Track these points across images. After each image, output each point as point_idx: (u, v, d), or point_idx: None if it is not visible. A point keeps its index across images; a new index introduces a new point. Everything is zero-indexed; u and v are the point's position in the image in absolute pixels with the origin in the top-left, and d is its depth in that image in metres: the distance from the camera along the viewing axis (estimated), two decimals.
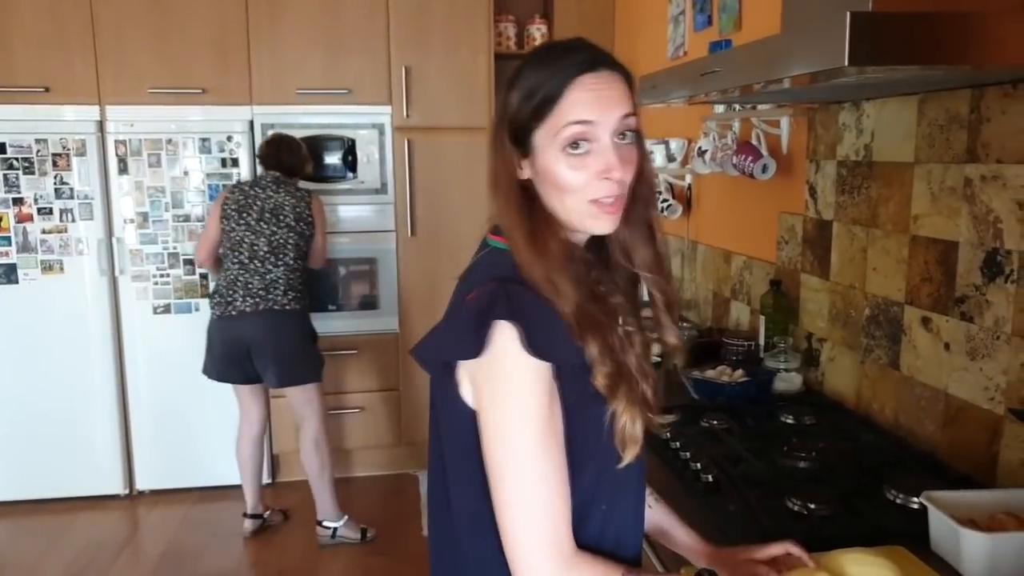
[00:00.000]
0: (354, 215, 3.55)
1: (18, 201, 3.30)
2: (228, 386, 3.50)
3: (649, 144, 2.82)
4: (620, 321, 0.96)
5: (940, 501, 1.23)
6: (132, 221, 3.39)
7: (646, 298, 1.04)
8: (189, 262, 3.44)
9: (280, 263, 2.91)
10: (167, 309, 3.45)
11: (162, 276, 3.43)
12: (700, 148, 2.42)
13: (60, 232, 3.33)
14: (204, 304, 3.44)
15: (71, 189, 3.32)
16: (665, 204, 2.80)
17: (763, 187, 2.25)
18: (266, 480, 3.58)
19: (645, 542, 1.40)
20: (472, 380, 0.90)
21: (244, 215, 2.90)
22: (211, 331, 3.00)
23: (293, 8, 3.37)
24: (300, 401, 3.06)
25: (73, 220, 3.33)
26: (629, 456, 0.93)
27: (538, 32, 3.66)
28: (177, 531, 3.21)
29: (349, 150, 3.51)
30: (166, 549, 3.06)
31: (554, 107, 0.89)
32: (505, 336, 0.85)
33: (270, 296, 2.89)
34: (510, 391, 0.86)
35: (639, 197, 0.97)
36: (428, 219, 3.57)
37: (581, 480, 0.92)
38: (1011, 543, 1.15)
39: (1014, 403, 1.39)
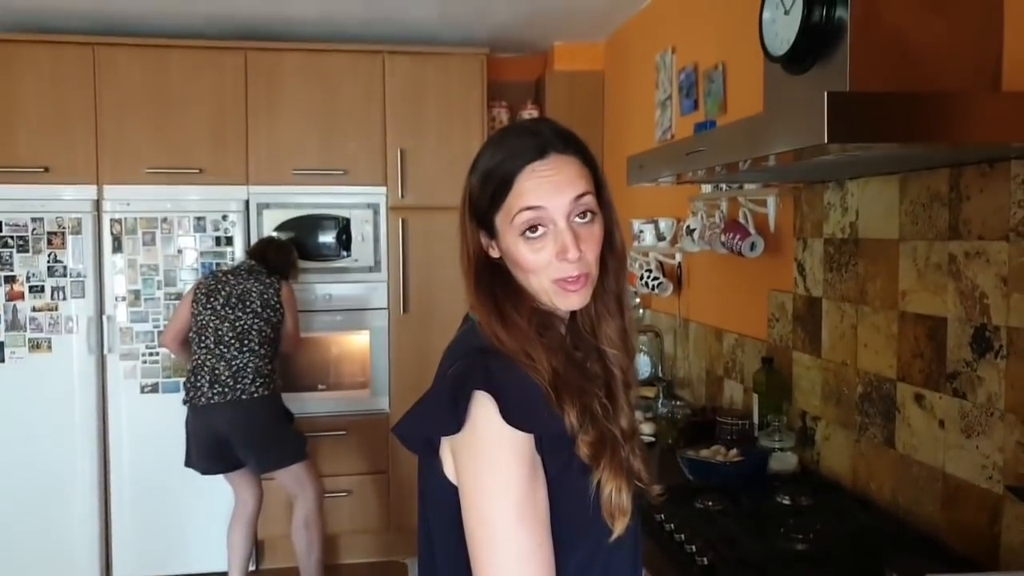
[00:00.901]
0: (347, 293, 3.56)
1: (10, 279, 3.29)
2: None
3: (639, 223, 2.88)
4: (600, 386, 0.95)
5: None
6: (124, 299, 3.38)
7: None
8: None
9: (245, 349, 2.89)
10: (155, 388, 3.40)
11: (151, 355, 3.40)
12: (689, 227, 2.45)
13: (50, 310, 3.32)
14: None
15: (64, 267, 3.32)
16: (656, 282, 2.82)
17: (752, 265, 2.27)
18: (250, 567, 3.45)
19: None
20: (454, 455, 0.88)
21: (211, 300, 2.92)
22: (187, 422, 2.98)
23: (291, 92, 3.47)
24: (290, 482, 3.01)
25: (64, 298, 3.32)
26: (619, 528, 0.90)
27: (529, 117, 3.77)
28: None
29: (343, 229, 3.55)
30: None
31: (507, 194, 0.91)
32: (483, 407, 0.84)
33: (238, 385, 2.86)
34: (489, 463, 0.84)
35: (609, 269, 0.97)
36: (421, 297, 3.58)
37: (573, 558, 0.89)
38: None
39: (1012, 481, 1.36)
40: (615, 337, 0.98)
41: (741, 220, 2.26)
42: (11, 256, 3.30)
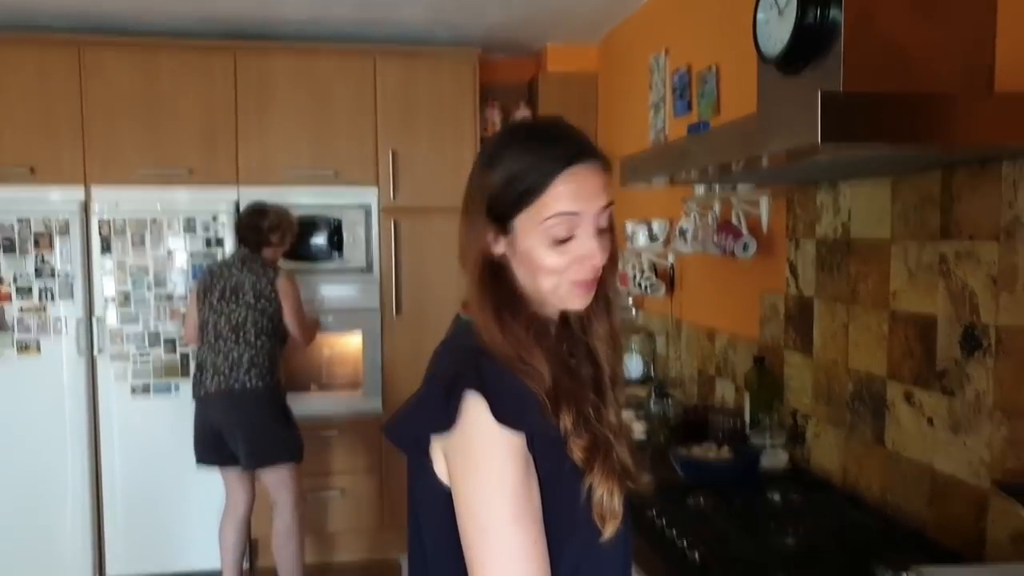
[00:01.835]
0: (339, 294, 3.55)
1: None
2: (206, 470, 3.42)
3: (632, 224, 2.89)
4: (591, 387, 0.96)
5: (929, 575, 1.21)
6: (113, 300, 3.36)
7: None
8: (170, 342, 3.40)
9: (241, 340, 2.88)
10: (146, 390, 3.39)
11: (142, 356, 3.38)
12: (682, 228, 2.47)
13: (38, 311, 3.30)
14: (184, 384, 3.39)
15: (52, 268, 3.30)
16: (649, 283, 2.83)
17: (745, 266, 2.29)
18: (244, 566, 3.44)
19: None
20: (445, 455, 0.88)
21: (209, 295, 2.93)
22: (194, 414, 2.98)
23: (282, 93, 3.46)
24: (273, 483, 2.99)
25: (52, 299, 3.30)
26: (609, 531, 0.91)
27: (544, 116, 3.77)
28: None
29: (335, 230, 3.55)
30: None
31: (539, 197, 0.90)
32: (475, 407, 0.85)
33: (233, 375, 2.86)
34: (482, 463, 0.85)
35: (603, 273, 0.98)
36: (413, 298, 3.58)
37: (564, 559, 0.89)
38: None
39: (999, 476, 1.38)
40: (605, 335, 1.00)
41: (734, 221, 2.27)
42: None
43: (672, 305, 2.90)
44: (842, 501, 1.73)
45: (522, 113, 3.79)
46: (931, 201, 1.56)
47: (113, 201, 3.34)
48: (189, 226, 3.41)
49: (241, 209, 3.45)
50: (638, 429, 2.38)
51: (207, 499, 3.41)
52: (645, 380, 2.89)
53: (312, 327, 3.23)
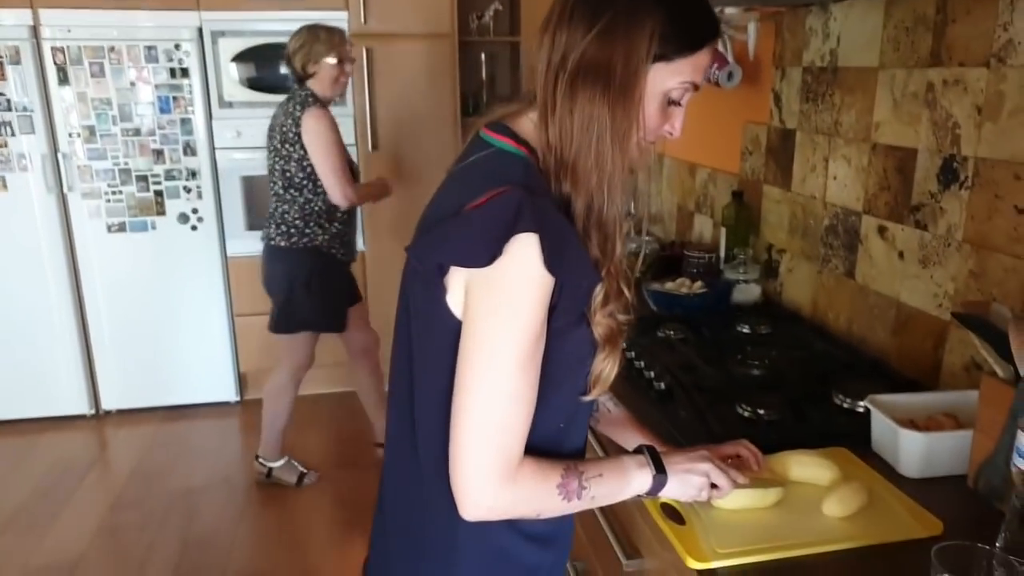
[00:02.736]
0: None
1: None
2: (190, 305, 3.47)
3: None
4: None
5: (882, 404, 1.26)
6: (79, 135, 3.24)
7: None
8: (143, 179, 3.32)
9: (273, 192, 2.65)
10: (122, 227, 3.36)
11: (114, 193, 3.32)
12: None
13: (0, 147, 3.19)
14: (160, 222, 3.36)
15: (8, 100, 3.15)
16: None
17: (729, 96, 2.21)
18: (234, 398, 3.59)
19: (599, 447, 1.43)
20: (468, 287, 0.84)
21: (267, 141, 2.71)
22: None
23: None
24: (282, 344, 2.85)
25: (13, 134, 3.18)
26: (596, 394, 0.94)
27: None
28: (146, 449, 3.22)
29: None
30: (135, 467, 3.07)
31: (685, 56, 0.87)
32: (526, 248, 0.80)
33: (266, 230, 2.68)
34: (511, 303, 0.81)
35: None
36: (390, 133, 3.47)
37: (548, 407, 0.90)
38: (946, 442, 1.19)
39: (959, 309, 1.41)
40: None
41: (720, 48, 2.16)
42: None
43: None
44: (810, 333, 1.77)
45: None
46: (924, 23, 1.47)
47: (64, 26, 3.14)
48: (151, 56, 3.23)
49: (208, 38, 3.27)
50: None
51: (199, 334, 3.49)
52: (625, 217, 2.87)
53: (370, 188, 2.88)
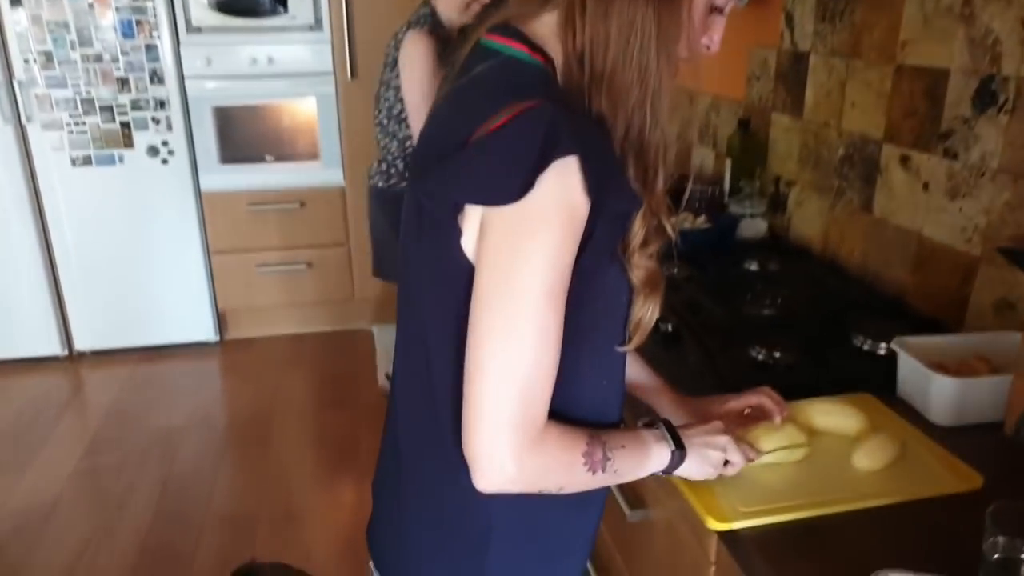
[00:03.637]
0: (286, 56, 3.23)
1: None
2: (163, 242, 3.32)
3: None
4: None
5: (911, 346, 1.17)
6: (35, 61, 3.02)
7: None
8: (107, 109, 3.12)
9: (376, 123, 2.36)
10: (87, 161, 3.17)
11: (77, 125, 3.12)
12: None
13: None
14: (128, 155, 3.18)
15: None
16: None
17: (734, 17, 2.03)
18: (214, 338, 3.48)
19: None
20: (486, 225, 0.70)
21: None
22: None
23: None
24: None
25: None
26: (637, 342, 0.82)
27: None
28: (122, 390, 3.11)
29: None
30: (112, 409, 2.97)
31: None
32: (566, 175, 0.67)
33: (371, 166, 2.41)
34: (542, 239, 0.68)
35: None
36: (370, 59, 3.26)
37: (592, 356, 0.80)
38: (982, 388, 1.10)
39: (993, 243, 1.31)
40: None
41: None
42: None
43: None
44: (821, 270, 1.67)
45: None
46: None
47: None
48: None
49: None
50: None
51: (174, 272, 3.35)
52: None
53: None
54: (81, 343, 3.38)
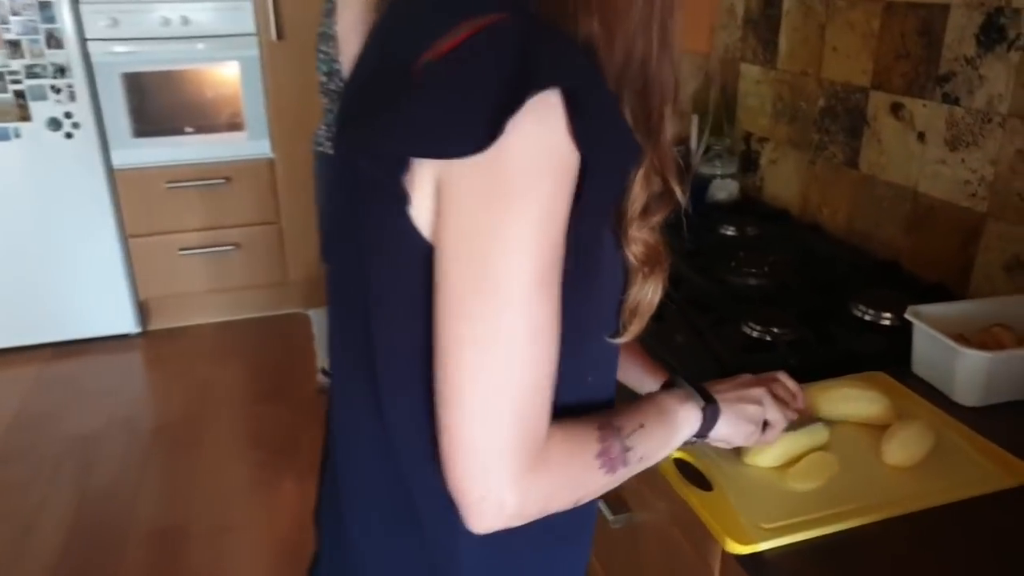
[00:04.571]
0: (204, 16, 2.93)
1: None
2: (72, 225, 3.00)
3: None
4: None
5: (927, 316, 1.02)
6: None
7: None
8: None
9: (320, 80, 2.20)
10: None
11: None
12: None
13: None
14: (26, 129, 2.84)
15: None
16: None
17: None
18: (135, 329, 3.18)
19: None
20: (443, 187, 0.50)
21: None
22: None
23: None
24: None
25: None
26: (634, 332, 0.64)
27: None
28: (30, 393, 2.80)
29: None
30: (18, 414, 2.67)
31: None
32: (544, 115, 0.48)
33: (316, 133, 2.21)
34: (522, 203, 0.49)
35: None
36: (297, 19, 2.99)
37: (578, 345, 0.60)
38: (1012, 362, 0.96)
39: (1002, 197, 1.17)
40: None
41: None
42: None
43: None
44: (804, 233, 1.53)
45: None
46: None
47: None
48: None
49: None
50: None
51: (86, 259, 3.03)
52: None
53: None
54: None
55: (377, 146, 0.53)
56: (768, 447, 0.82)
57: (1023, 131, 1.13)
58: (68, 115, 2.87)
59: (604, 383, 0.69)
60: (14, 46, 2.75)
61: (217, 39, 2.96)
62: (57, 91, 2.84)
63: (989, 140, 1.19)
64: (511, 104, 0.47)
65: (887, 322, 1.15)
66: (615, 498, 1.10)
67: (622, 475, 0.61)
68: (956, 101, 1.24)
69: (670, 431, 0.67)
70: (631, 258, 0.60)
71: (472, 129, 0.47)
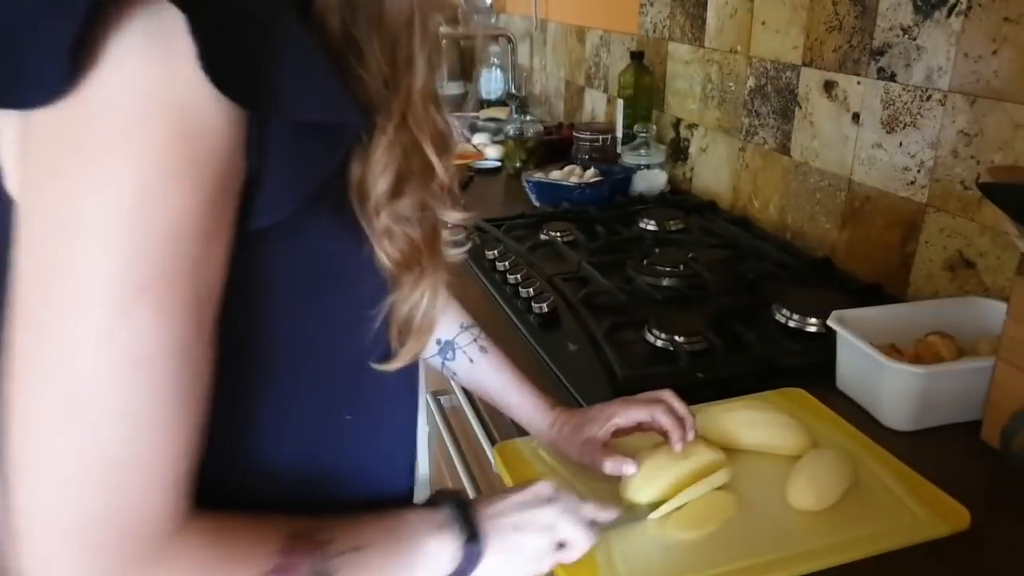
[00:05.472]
0: None
1: None
2: None
3: None
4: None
5: (852, 322, 0.87)
6: None
7: None
8: None
9: None
10: None
11: None
12: None
13: None
14: None
15: None
16: None
17: None
18: None
19: (474, 414, 0.99)
20: (30, 151, 0.34)
21: None
22: None
23: None
24: None
25: None
26: (411, 352, 0.47)
27: None
28: None
29: None
30: None
31: None
32: (156, 44, 0.31)
33: None
34: (107, 172, 0.32)
35: None
36: None
37: (302, 379, 0.44)
38: (949, 378, 0.81)
39: (944, 184, 1.03)
40: None
41: None
42: None
43: (536, 1, 2.32)
44: (731, 227, 1.37)
45: None
46: None
47: None
48: None
49: None
50: (491, 155, 1.93)
51: None
52: (505, 99, 2.39)
53: None
54: None
55: None
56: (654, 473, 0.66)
57: (966, 109, 0.98)
58: None
59: (377, 426, 0.51)
60: None
61: None
62: None
63: (928, 120, 1.04)
64: (92, 23, 0.30)
65: (813, 328, 0.99)
66: None
67: None
68: (892, 77, 1.09)
69: (405, 565, 0.47)
70: (382, 256, 0.43)
71: (38, 64, 0.31)
